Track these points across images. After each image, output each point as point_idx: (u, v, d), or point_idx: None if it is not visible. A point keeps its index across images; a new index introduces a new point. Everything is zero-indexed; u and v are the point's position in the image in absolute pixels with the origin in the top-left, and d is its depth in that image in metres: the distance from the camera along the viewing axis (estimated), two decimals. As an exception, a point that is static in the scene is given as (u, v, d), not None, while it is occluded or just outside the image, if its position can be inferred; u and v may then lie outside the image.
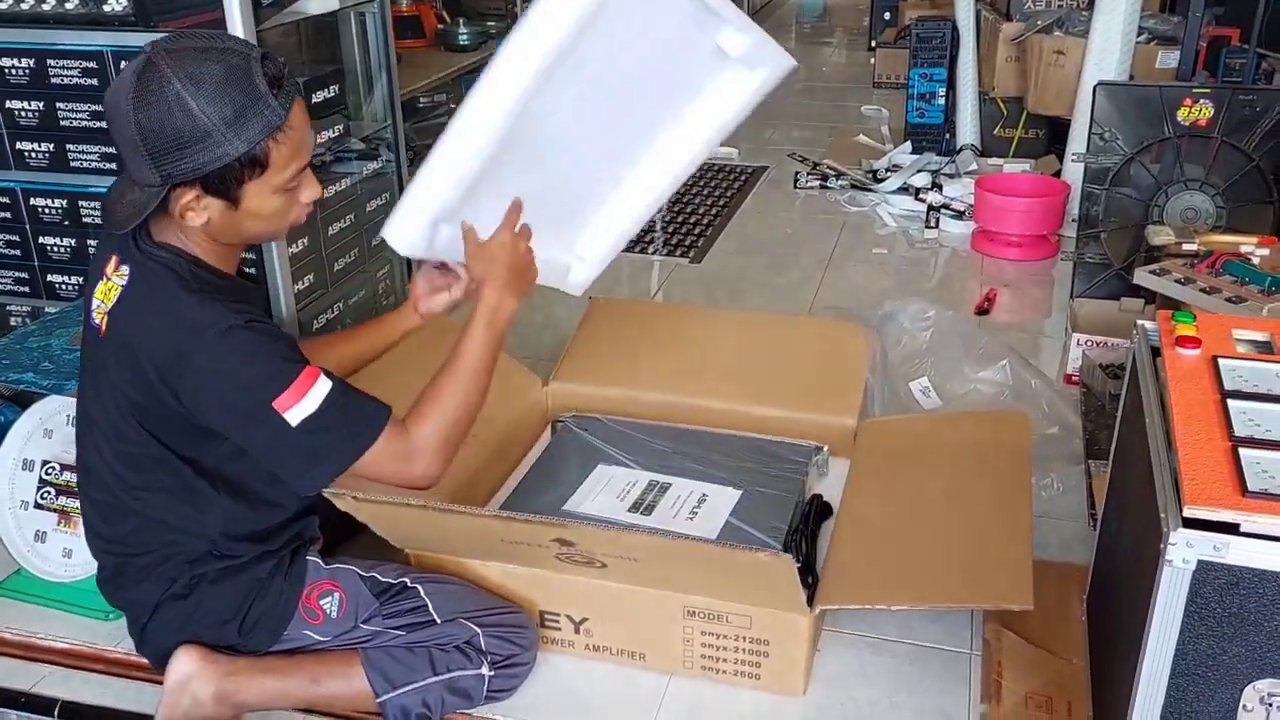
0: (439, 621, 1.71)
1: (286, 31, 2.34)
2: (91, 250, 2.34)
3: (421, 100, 3.60)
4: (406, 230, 1.70)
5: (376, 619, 1.72)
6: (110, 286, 1.56)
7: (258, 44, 2.01)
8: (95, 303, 1.59)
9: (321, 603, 1.71)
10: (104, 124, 2.18)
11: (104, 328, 1.56)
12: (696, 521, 1.97)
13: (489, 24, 3.80)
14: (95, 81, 2.14)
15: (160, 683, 1.69)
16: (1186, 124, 2.86)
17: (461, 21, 3.73)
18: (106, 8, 2.10)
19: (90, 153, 2.21)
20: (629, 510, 2.01)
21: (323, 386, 1.51)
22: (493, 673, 1.71)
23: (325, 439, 1.52)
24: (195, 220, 1.50)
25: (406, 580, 1.75)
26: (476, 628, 1.72)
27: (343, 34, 2.59)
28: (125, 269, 1.55)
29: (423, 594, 1.73)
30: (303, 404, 1.49)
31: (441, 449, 1.60)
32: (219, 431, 1.55)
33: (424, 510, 1.66)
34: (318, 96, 2.34)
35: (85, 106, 2.17)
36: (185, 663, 1.66)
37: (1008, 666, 1.79)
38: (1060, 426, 2.43)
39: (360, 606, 1.72)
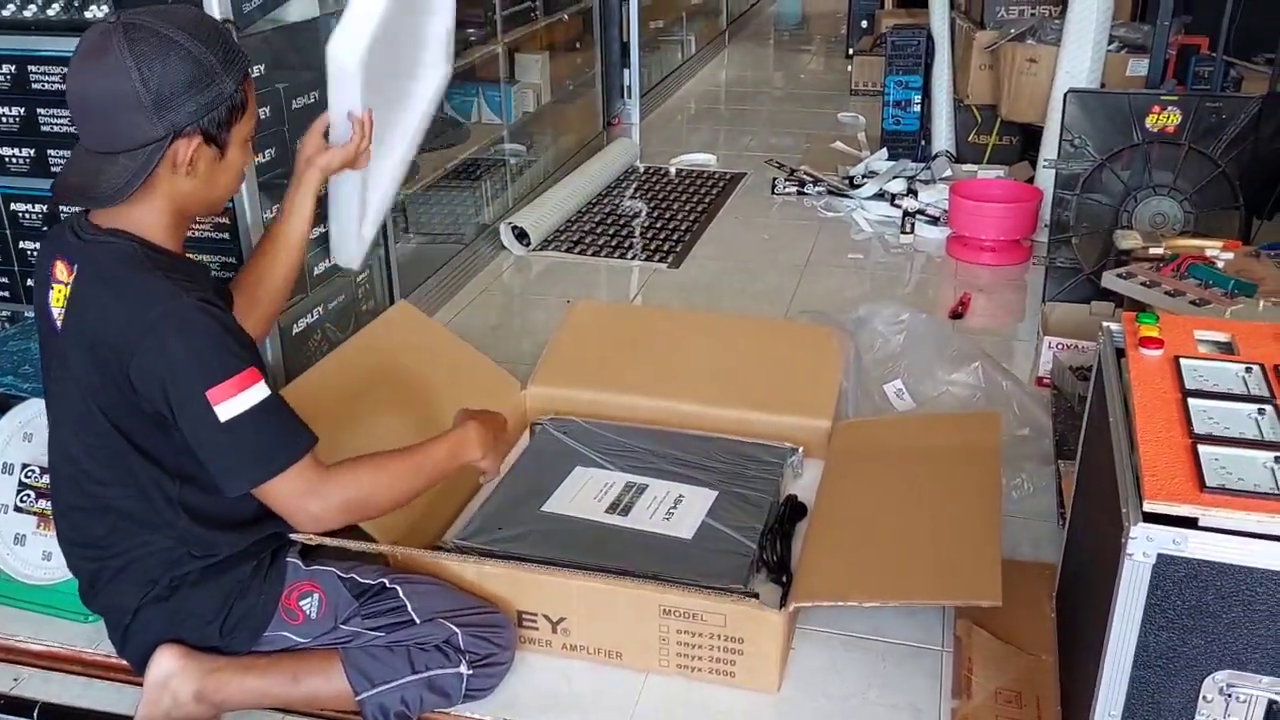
0: (418, 622, 1.73)
1: (266, 38, 2.35)
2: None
3: (401, 106, 3.62)
4: (351, 246, 1.77)
5: (355, 619, 1.73)
6: (61, 289, 1.57)
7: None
8: (52, 311, 1.59)
9: (301, 603, 1.72)
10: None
11: (61, 324, 1.58)
12: (673, 521, 2.00)
13: (468, 31, 3.82)
14: (75, 87, 2.14)
15: (139, 684, 1.71)
16: (1155, 131, 2.91)
17: (441, 29, 3.75)
18: (88, 14, 2.11)
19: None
20: (606, 511, 2.04)
21: (259, 391, 1.52)
22: (471, 671, 1.73)
23: (247, 446, 1.53)
24: (183, 172, 1.53)
25: (385, 581, 1.77)
26: (455, 627, 1.74)
27: (324, 40, 2.59)
28: (75, 267, 1.57)
29: (401, 594, 1.75)
30: (234, 401, 1.49)
31: (344, 510, 1.62)
32: (165, 415, 1.53)
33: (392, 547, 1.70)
34: (298, 103, 2.35)
35: (66, 112, 2.16)
36: (166, 661, 1.67)
37: (978, 662, 1.82)
38: (1031, 428, 2.47)
39: (339, 607, 1.73)
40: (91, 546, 1.69)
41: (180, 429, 1.53)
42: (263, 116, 2.21)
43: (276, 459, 1.54)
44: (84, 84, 1.49)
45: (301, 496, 1.57)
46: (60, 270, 1.58)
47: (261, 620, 1.71)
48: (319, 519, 1.60)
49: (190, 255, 1.73)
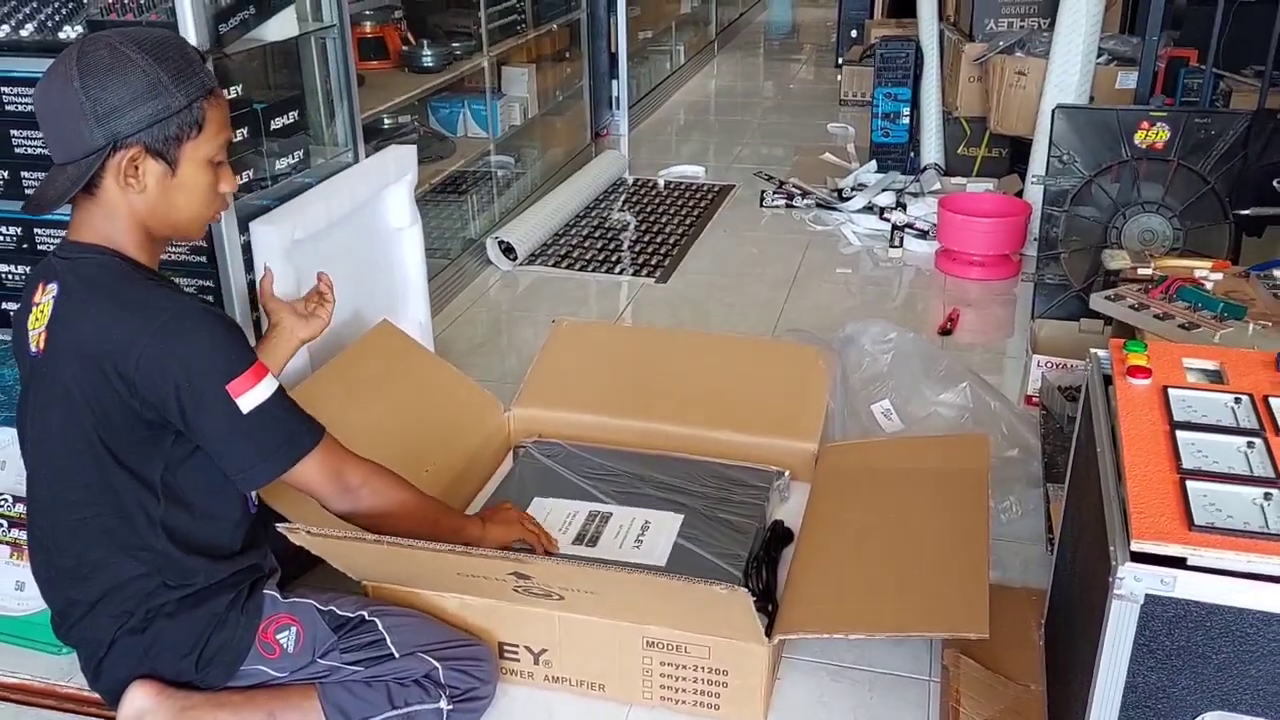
0: (397, 656, 1.70)
1: (248, 57, 2.32)
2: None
3: (386, 121, 3.59)
4: None
5: (334, 654, 1.70)
6: (42, 308, 1.56)
7: (217, 72, 2.01)
8: (30, 332, 1.58)
9: (278, 637, 1.69)
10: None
11: (43, 345, 1.56)
12: (644, 549, 1.97)
13: (454, 45, 3.79)
14: (50, 108, 2.11)
15: (113, 719, 1.67)
16: (1143, 147, 2.90)
17: (426, 43, 3.71)
18: (62, 35, 2.08)
19: (46, 179, 2.18)
20: (573, 543, 2.01)
21: (271, 382, 1.55)
22: (451, 707, 1.70)
23: (272, 433, 1.55)
24: (135, 188, 1.52)
25: (365, 614, 1.74)
26: (435, 661, 1.71)
27: (304, 58, 2.58)
28: (53, 285, 1.55)
29: (381, 627, 1.72)
30: (255, 391, 1.52)
31: (369, 484, 1.66)
32: (169, 420, 1.52)
33: (379, 545, 1.65)
34: (278, 122, 2.33)
35: (40, 134, 2.14)
36: (139, 698, 1.64)
37: (966, 693, 1.79)
38: (1020, 449, 2.45)
39: (317, 641, 1.70)
40: (66, 576, 1.65)
41: (192, 430, 1.52)
42: (239, 138, 2.18)
43: (303, 441, 1.57)
44: (39, 96, 1.53)
45: (335, 470, 1.61)
46: (39, 293, 1.57)
47: (238, 654, 1.68)
48: (354, 490, 1.63)
49: (170, 277, 1.73)
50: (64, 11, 2.12)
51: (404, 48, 3.75)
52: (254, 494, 1.73)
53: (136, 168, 1.51)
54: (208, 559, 1.65)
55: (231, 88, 2.17)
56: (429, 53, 3.67)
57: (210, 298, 2.17)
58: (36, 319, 1.57)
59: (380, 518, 1.68)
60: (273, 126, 2.31)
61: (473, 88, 4.01)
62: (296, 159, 2.42)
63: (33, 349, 1.58)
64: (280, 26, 2.32)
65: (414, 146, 2.74)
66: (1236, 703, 1.27)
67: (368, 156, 2.66)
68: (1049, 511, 2.23)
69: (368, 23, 3.69)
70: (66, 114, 1.48)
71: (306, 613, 1.72)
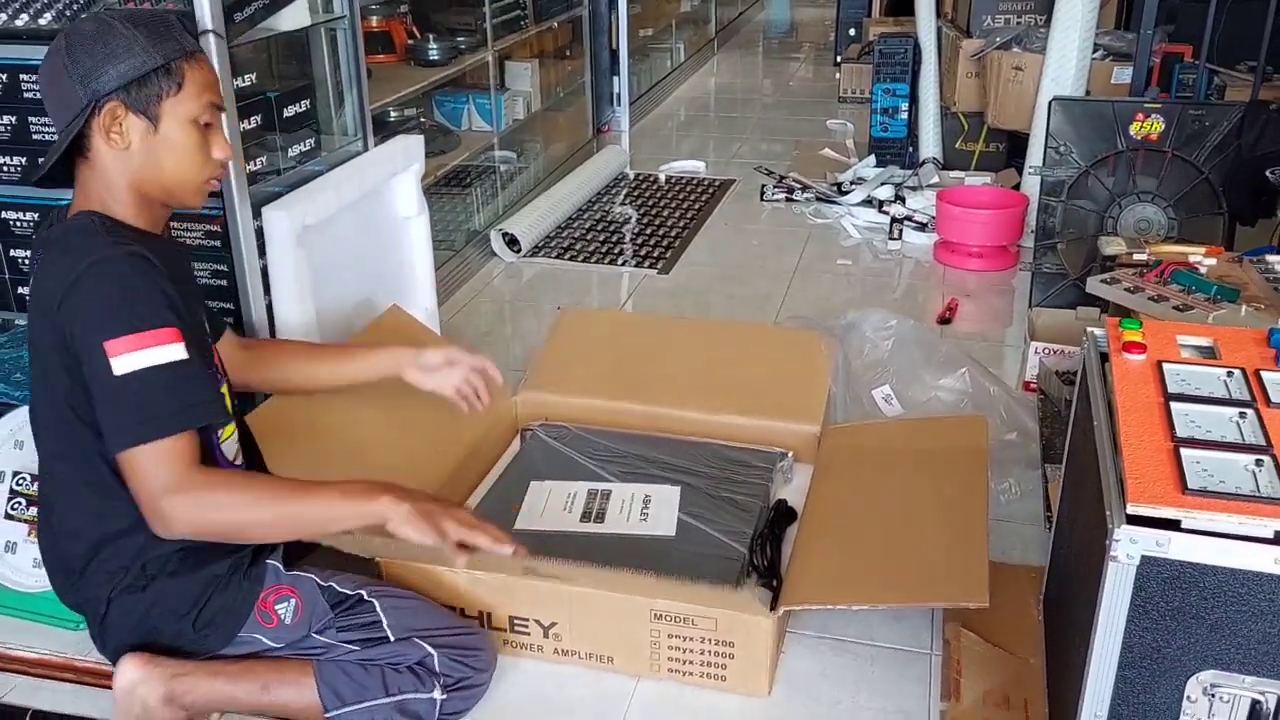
0: (392, 639, 1.70)
1: (258, 47, 2.36)
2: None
3: (392, 114, 3.63)
4: None
5: (330, 630, 1.70)
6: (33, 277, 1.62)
7: (230, 60, 2.05)
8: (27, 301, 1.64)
9: (277, 607, 1.69)
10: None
11: (28, 306, 1.61)
12: (650, 521, 2.03)
13: (459, 39, 3.83)
14: (67, 96, 2.15)
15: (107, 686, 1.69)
16: (1139, 138, 2.94)
17: (431, 37, 3.75)
18: (78, 23, 2.12)
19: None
20: (580, 520, 2.05)
21: (168, 353, 1.47)
22: (445, 696, 1.69)
23: (131, 403, 1.47)
24: (119, 144, 1.55)
25: (364, 593, 1.73)
26: (431, 648, 1.70)
27: (314, 49, 2.62)
28: (40, 250, 1.61)
29: (378, 609, 1.72)
30: (133, 356, 1.46)
31: (198, 525, 1.53)
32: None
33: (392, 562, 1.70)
34: (289, 111, 2.37)
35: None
36: (130, 669, 1.64)
37: (967, 666, 1.84)
38: (1018, 432, 2.49)
39: (315, 615, 1.70)
40: (60, 537, 1.67)
41: (87, 382, 1.50)
42: (252, 125, 2.23)
43: (152, 423, 1.46)
44: (40, 73, 1.60)
45: (160, 484, 1.47)
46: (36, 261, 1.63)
47: (237, 619, 1.68)
48: (167, 520, 1.50)
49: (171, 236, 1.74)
50: (81, 0, 2.16)
51: (409, 42, 3.79)
52: (230, 454, 1.71)
53: (119, 124, 1.55)
54: None
55: (245, 76, 2.21)
56: (434, 47, 3.71)
57: (224, 282, 2.20)
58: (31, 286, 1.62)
59: (214, 536, 1.60)
60: (285, 115, 2.35)
61: (477, 82, 4.06)
62: (307, 147, 2.46)
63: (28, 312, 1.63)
64: (292, 17, 2.36)
65: (421, 137, 2.78)
66: (1229, 662, 1.31)
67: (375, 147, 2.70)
68: (1047, 492, 2.27)
69: (374, 17, 3.73)
70: (55, 81, 1.55)
71: (307, 586, 1.72)
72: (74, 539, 1.66)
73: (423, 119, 3.88)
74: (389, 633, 1.71)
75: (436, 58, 3.69)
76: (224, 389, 1.71)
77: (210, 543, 1.65)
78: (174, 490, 1.48)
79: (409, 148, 2.67)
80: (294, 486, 1.60)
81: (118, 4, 2.09)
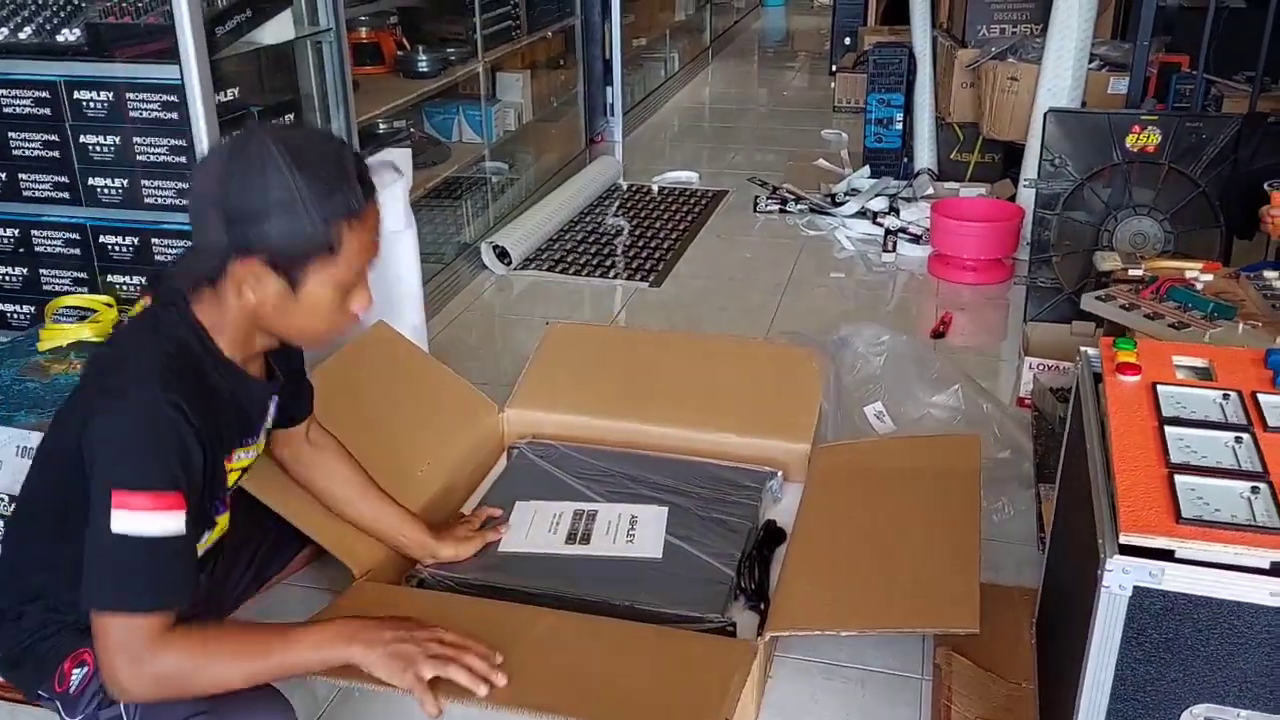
0: None
1: (243, 60, 2.33)
2: (44, 280, 2.34)
3: (381, 126, 3.61)
4: None
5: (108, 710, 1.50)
6: (107, 324, 1.58)
7: (213, 76, 2.03)
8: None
9: (73, 671, 1.53)
10: (57, 153, 2.19)
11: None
12: (636, 542, 2.00)
13: (449, 51, 3.81)
14: (48, 111, 2.13)
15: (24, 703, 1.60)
16: (1135, 150, 2.92)
17: (421, 48, 3.72)
18: (60, 38, 2.09)
19: (43, 182, 2.20)
20: (565, 542, 2.02)
21: (166, 523, 1.36)
22: None
23: (113, 568, 1.36)
24: (249, 295, 1.42)
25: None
26: None
27: (299, 62, 2.59)
28: (147, 300, 1.51)
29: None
30: (133, 518, 1.35)
31: (156, 689, 1.40)
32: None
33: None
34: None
35: (38, 136, 2.16)
36: None
37: (958, 691, 1.80)
38: (1012, 450, 2.46)
39: (102, 694, 1.49)
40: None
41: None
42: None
43: (125, 596, 1.37)
44: (195, 172, 1.48)
45: (122, 652, 1.37)
46: (143, 302, 1.53)
47: (45, 669, 1.53)
48: (123, 690, 1.39)
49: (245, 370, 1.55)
50: (62, 14, 2.13)
51: (399, 53, 3.77)
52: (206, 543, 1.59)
53: (257, 280, 1.41)
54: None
55: (228, 90, 2.18)
56: (424, 58, 3.68)
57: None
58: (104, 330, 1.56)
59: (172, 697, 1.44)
60: (268, 129, 2.32)
61: (468, 93, 4.03)
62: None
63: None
64: (276, 30, 2.34)
65: (409, 150, 2.75)
66: (1224, 695, 1.28)
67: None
68: (1041, 511, 2.24)
69: (363, 28, 3.71)
70: (204, 200, 1.40)
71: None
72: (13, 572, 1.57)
73: (413, 130, 3.86)
74: None
75: (426, 69, 3.67)
76: (222, 519, 1.61)
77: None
78: (132, 661, 1.37)
79: (396, 161, 2.65)
80: (260, 643, 1.47)
81: (98, 16, 2.06)
